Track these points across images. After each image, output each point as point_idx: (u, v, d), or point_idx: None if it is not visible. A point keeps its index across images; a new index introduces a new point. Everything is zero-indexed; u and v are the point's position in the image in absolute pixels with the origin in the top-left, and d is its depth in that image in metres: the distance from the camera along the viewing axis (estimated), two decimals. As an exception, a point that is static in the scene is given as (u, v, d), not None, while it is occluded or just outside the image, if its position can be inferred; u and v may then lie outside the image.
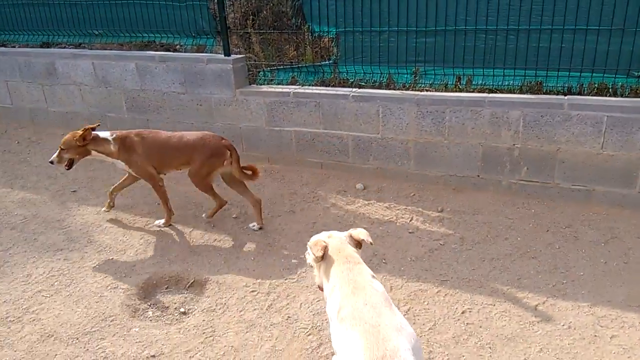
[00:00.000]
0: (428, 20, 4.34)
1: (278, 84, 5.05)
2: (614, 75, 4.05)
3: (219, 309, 3.14)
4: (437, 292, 3.18)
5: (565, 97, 4.00)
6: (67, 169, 3.99)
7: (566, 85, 4.19)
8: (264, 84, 5.07)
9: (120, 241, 3.90)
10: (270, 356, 2.75)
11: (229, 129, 5.10)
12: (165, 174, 4.07)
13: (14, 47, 6.39)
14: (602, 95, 4.10)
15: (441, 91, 4.45)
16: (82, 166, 4.64)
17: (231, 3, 5.44)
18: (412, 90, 4.52)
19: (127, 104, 5.53)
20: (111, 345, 2.88)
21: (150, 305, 3.25)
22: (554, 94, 4.17)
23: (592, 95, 4.10)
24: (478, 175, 4.31)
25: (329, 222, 3.98)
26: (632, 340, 2.74)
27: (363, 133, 4.56)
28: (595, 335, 2.78)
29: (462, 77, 4.46)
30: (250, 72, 5.12)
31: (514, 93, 4.27)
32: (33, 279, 3.48)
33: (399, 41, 4.49)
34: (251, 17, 5.44)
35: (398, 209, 4.14)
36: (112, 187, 4.23)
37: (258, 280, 3.37)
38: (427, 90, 4.47)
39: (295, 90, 4.74)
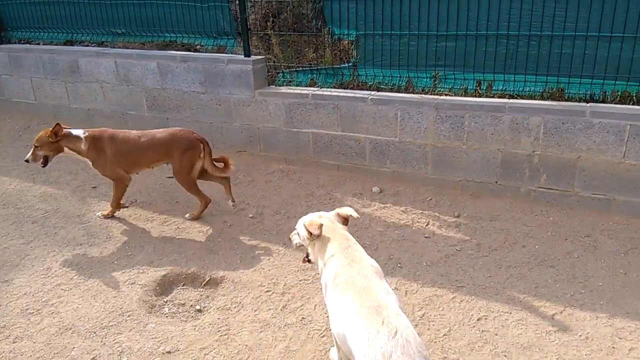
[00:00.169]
0: (449, 25, 4.32)
1: (297, 85, 5.07)
2: (637, 84, 3.99)
3: (234, 307, 3.16)
4: (453, 298, 3.17)
5: (588, 105, 3.96)
6: (43, 167, 4.06)
7: (588, 92, 4.13)
8: (282, 85, 5.10)
9: (138, 237, 3.95)
10: (284, 356, 2.77)
11: (247, 129, 5.14)
12: (138, 173, 4.15)
13: (38, 44, 6.52)
14: (625, 104, 4.04)
15: (461, 96, 4.43)
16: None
17: (252, 4, 5.48)
18: (431, 94, 4.51)
19: (147, 103, 5.60)
20: (127, 340, 2.92)
21: (166, 302, 3.28)
22: (576, 101, 4.12)
23: (615, 103, 4.05)
24: (496, 182, 4.28)
25: (344, 225, 3.98)
26: (651, 353, 2.69)
27: (380, 136, 4.56)
28: (613, 347, 2.74)
29: (482, 82, 4.43)
30: (270, 74, 5.15)
31: (535, 99, 4.24)
32: (53, 272, 3.54)
33: (419, 45, 4.48)
34: (271, 18, 5.47)
35: (414, 213, 4.13)
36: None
37: (273, 280, 3.39)
38: (446, 95, 4.45)
39: (314, 92, 4.75)
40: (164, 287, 3.41)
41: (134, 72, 5.55)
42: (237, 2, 4.92)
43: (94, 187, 4.78)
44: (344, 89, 4.85)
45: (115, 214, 4.21)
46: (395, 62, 4.61)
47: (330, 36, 4.98)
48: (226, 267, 3.56)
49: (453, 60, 4.41)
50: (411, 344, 1.82)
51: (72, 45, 6.29)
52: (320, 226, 2.40)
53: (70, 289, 3.37)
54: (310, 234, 2.40)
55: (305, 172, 4.88)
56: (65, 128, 3.94)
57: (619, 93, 4.11)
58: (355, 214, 2.53)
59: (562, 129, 3.93)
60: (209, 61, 5.11)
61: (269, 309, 3.13)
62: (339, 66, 4.99)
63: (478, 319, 2.98)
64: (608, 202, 3.96)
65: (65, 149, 3.96)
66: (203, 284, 3.42)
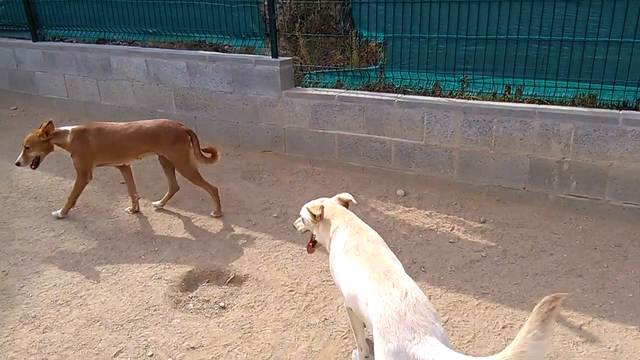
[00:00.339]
0: (479, 28, 4.27)
1: (323, 87, 5.08)
2: (673, 91, 3.89)
3: (258, 305, 3.19)
4: (477, 304, 3.13)
5: (620, 112, 3.87)
6: (33, 169, 4.11)
7: (621, 99, 4.04)
8: (309, 87, 5.12)
9: (165, 233, 4.02)
10: (306, 356, 2.78)
11: (272, 130, 5.17)
12: (127, 165, 4.21)
13: (71, 42, 6.69)
14: (660, 111, 3.94)
15: (489, 100, 4.38)
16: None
17: (280, 6, 5.52)
18: (459, 98, 4.47)
19: (176, 101, 5.69)
20: (153, 334, 2.97)
21: (191, 298, 3.33)
22: (608, 108, 4.03)
23: (649, 111, 3.95)
24: (524, 188, 4.21)
25: (368, 227, 3.97)
26: (684, 369, 2.62)
27: (406, 139, 4.54)
28: (644, 361, 2.68)
29: (512, 86, 4.37)
30: (296, 75, 5.18)
31: (566, 105, 4.16)
32: (82, 265, 3.63)
33: (447, 48, 4.44)
34: (299, 20, 5.50)
35: (439, 217, 4.10)
36: (128, 190, 4.35)
37: (296, 280, 3.41)
38: (474, 99, 4.41)
39: (340, 94, 4.76)
40: (189, 283, 3.46)
41: (163, 71, 5.64)
42: (266, 3, 4.97)
43: (123, 182, 4.86)
44: (371, 91, 4.84)
45: (68, 214, 4.22)
46: (423, 65, 4.59)
47: (357, 38, 4.98)
48: (250, 265, 3.59)
49: (482, 64, 4.36)
50: (420, 302, 2.00)
51: (104, 43, 6.43)
52: (322, 207, 2.61)
53: (99, 282, 3.45)
54: (314, 215, 2.61)
55: (329, 173, 4.89)
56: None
57: (654, 100, 4.01)
58: (354, 200, 2.79)
59: (593, 136, 3.86)
60: (237, 61, 5.16)
61: (292, 309, 3.14)
62: (365, 68, 4.98)
63: (503, 327, 2.94)
64: (640, 211, 3.86)
65: (55, 146, 4.03)
66: (227, 281, 3.46)
